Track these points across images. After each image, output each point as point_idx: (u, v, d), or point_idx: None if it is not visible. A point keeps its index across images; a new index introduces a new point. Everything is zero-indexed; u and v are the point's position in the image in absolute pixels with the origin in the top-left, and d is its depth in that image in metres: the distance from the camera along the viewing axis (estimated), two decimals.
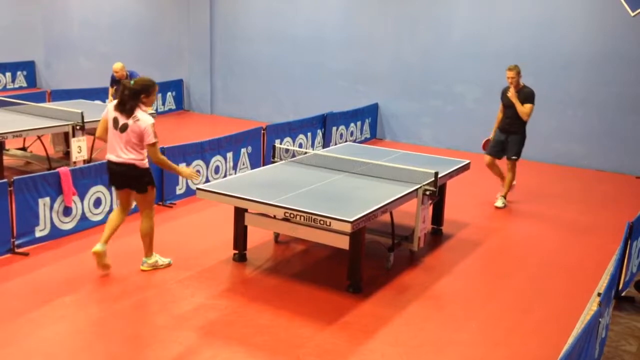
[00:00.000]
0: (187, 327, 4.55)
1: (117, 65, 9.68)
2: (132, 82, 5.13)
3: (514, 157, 7.50)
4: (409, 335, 4.58)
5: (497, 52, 10.39)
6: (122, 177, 5.19)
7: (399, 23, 11.18)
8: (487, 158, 7.69)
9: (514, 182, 7.85)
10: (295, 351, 4.30)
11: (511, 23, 10.20)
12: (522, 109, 7.32)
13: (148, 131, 4.98)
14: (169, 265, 5.48)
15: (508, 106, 7.46)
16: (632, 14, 9.37)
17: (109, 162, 5.21)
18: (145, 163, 5.15)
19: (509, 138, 7.49)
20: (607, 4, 9.47)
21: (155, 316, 4.69)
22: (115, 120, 5.10)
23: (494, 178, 7.84)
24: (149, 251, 5.40)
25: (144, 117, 5.02)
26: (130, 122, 5.02)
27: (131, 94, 5.04)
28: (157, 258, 5.45)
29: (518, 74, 7.34)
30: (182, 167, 5.54)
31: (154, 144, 5.02)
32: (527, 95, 7.35)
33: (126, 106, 5.04)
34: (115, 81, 9.86)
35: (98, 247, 5.19)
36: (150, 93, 5.12)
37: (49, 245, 5.91)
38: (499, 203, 7.57)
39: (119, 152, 5.10)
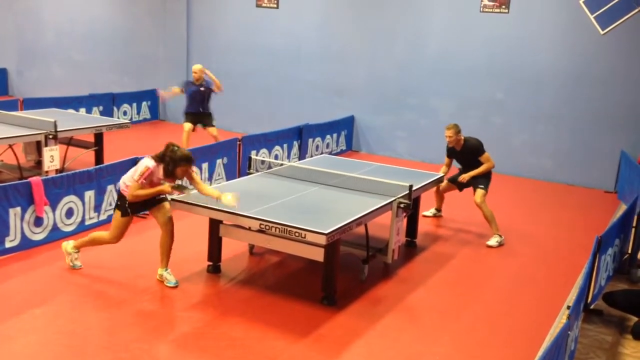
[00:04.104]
0: (159, 339, 4.50)
1: (196, 67, 9.52)
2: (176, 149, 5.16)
3: (481, 186, 6.98)
4: (383, 348, 4.60)
5: (471, 68, 10.57)
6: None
7: (375, 37, 11.30)
8: (444, 184, 7.29)
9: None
10: None
11: (485, 39, 10.39)
12: (485, 168, 7.00)
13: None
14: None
15: (463, 163, 7.20)
16: (602, 33, 9.62)
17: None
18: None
19: (474, 181, 7.08)
20: (578, 22, 9.71)
21: (126, 329, 4.63)
22: None
23: (467, 191, 7.77)
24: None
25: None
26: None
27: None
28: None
29: (457, 133, 6.95)
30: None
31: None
32: (474, 149, 7.02)
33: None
34: (189, 83, 9.65)
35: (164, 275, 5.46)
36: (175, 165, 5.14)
37: (19, 256, 5.81)
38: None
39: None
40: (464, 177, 7.09)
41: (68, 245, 5.61)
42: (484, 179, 7.09)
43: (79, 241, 5.60)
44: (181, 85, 9.78)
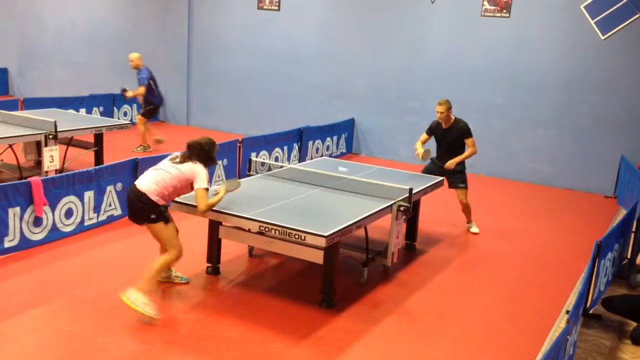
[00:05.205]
0: (157, 341, 4.50)
1: (132, 55, 10.20)
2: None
3: (461, 185, 7.12)
4: (382, 351, 4.60)
5: (471, 71, 10.57)
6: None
7: (376, 40, 11.31)
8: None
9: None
10: None
11: (486, 43, 10.40)
12: (469, 153, 7.05)
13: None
14: (150, 320, 4.67)
15: (445, 143, 7.14)
16: (602, 38, 9.63)
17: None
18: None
19: (451, 176, 7.13)
20: (579, 27, 9.72)
21: (125, 329, 4.62)
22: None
23: (468, 194, 7.81)
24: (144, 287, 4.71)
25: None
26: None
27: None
28: (146, 300, 4.68)
29: (448, 109, 6.96)
30: (220, 194, 5.03)
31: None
32: (463, 130, 7.04)
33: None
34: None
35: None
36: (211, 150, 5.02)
37: (17, 256, 5.80)
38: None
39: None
40: (450, 164, 7.05)
41: (136, 296, 4.62)
42: (462, 177, 7.16)
43: (144, 284, 4.65)
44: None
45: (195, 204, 4.96)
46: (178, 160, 4.93)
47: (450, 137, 7.14)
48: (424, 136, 7.33)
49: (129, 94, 10.31)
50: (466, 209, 7.37)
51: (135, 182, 4.91)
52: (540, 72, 10.10)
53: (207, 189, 4.83)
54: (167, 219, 4.88)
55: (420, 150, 7.08)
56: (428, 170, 7.27)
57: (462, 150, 7.22)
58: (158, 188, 4.78)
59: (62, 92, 12.93)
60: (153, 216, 4.77)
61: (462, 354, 4.66)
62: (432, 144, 7.35)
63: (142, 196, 4.74)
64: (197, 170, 4.83)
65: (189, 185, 4.91)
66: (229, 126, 12.83)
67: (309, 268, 5.89)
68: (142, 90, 10.24)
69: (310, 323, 4.91)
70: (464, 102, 10.65)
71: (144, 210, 4.78)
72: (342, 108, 11.75)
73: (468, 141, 7.09)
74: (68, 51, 14.77)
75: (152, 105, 10.52)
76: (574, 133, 10.04)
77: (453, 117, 7.12)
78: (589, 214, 8.77)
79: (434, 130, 7.27)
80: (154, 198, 4.75)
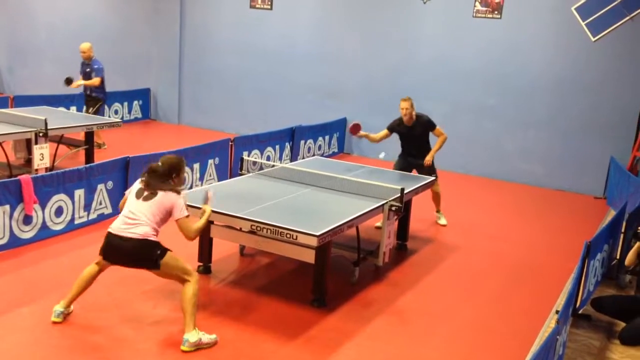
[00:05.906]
0: (148, 340, 4.48)
1: (85, 45, 9.85)
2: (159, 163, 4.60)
3: (434, 176, 7.13)
4: (373, 350, 4.61)
5: (463, 72, 10.61)
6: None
7: (368, 40, 11.33)
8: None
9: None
10: None
11: (477, 44, 10.43)
12: (442, 141, 7.22)
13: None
14: (215, 343, 4.50)
15: (411, 140, 7.25)
16: (593, 40, 9.69)
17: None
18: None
19: (423, 169, 7.20)
20: (571, 29, 9.77)
21: (116, 328, 4.61)
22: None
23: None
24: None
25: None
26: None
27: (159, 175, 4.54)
28: (201, 335, 4.45)
29: (412, 105, 7.06)
30: (206, 214, 4.78)
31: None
32: (428, 123, 7.20)
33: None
34: (82, 64, 10.03)
35: (59, 312, 4.64)
36: (180, 172, 4.65)
37: (7, 255, 5.76)
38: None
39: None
40: (429, 160, 7.17)
41: (191, 336, 4.38)
42: (432, 168, 7.25)
43: (189, 321, 4.42)
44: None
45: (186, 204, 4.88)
46: (147, 195, 4.51)
47: (416, 133, 7.23)
48: (384, 132, 7.34)
49: (79, 82, 9.80)
50: (437, 197, 7.50)
51: (127, 234, 4.41)
52: (531, 73, 10.15)
53: (188, 216, 4.55)
54: (165, 250, 4.51)
55: (370, 135, 7.20)
56: (399, 166, 7.36)
57: (428, 143, 7.32)
58: (154, 228, 4.48)
59: (52, 90, 12.83)
60: (159, 251, 4.45)
61: (453, 353, 4.67)
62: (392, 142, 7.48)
63: (142, 242, 4.40)
64: (171, 200, 4.49)
65: (168, 215, 4.57)
66: (220, 125, 12.81)
67: (300, 267, 5.89)
68: (97, 81, 9.76)
69: (302, 322, 4.91)
70: (456, 102, 10.71)
71: (148, 252, 4.44)
72: (334, 107, 11.75)
73: (436, 131, 7.21)
74: (59, 48, 14.66)
75: (101, 101, 10.09)
76: (564, 134, 10.09)
77: (415, 114, 7.18)
78: (579, 214, 8.82)
79: (395, 128, 7.31)
80: (153, 239, 4.45)
